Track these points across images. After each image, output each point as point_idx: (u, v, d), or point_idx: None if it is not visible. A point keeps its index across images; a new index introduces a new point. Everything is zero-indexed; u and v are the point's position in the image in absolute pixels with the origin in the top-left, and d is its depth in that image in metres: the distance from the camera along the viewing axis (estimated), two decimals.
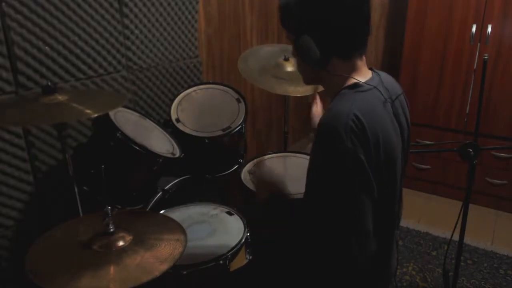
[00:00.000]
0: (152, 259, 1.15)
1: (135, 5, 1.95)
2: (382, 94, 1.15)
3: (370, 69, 1.23)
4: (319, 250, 1.14)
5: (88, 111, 1.32)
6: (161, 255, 1.16)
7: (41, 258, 1.18)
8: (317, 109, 1.71)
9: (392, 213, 1.24)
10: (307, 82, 1.29)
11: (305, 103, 3.41)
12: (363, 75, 1.18)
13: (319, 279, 1.20)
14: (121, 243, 1.19)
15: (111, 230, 1.20)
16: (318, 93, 1.97)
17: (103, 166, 1.33)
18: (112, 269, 1.11)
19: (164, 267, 1.11)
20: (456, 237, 1.91)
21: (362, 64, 1.19)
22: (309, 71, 1.23)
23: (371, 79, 1.18)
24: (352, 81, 1.15)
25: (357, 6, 1.11)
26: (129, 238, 1.21)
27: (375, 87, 1.15)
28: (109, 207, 1.20)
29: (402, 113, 1.23)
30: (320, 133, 1.09)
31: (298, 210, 1.39)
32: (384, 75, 1.24)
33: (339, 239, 1.08)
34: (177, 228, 1.31)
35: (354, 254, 1.08)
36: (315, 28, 1.12)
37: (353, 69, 1.17)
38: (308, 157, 1.54)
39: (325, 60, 1.15)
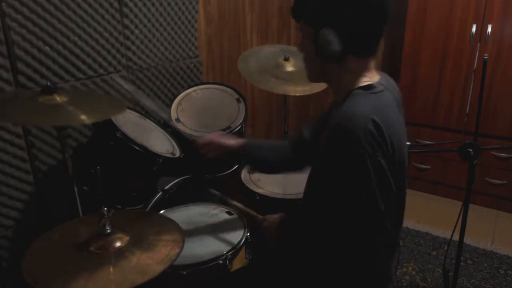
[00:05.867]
0: (149, 260, 1.14)
1: (135, 5, 1.95)
2: (393, 96, 1.14)
3: None
4: (336, 252, 1.14)
5: (83, 117, 1.28)
6: (157, 256, 1.15)
7: (38, 260, 1.17)
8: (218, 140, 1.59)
9: (401, 214, 1.24)
10: (313, 78, 1.24)
11: (305, 102, 3.41)
12: (374, 75, 1.16)
13: (325, 280, 1.19)
14: (118, 244, 1.18)
15: (108, 231, 1.19)
16: (316, 92, 1.96)
17: (98, 167, 1.32)
18: (108, 270, 1.10)
19: (160, 268, 1.10)
20: (456, 237, 1.91)
21: (374, 64, 1.16)
22: (320, 66, 1.17)
23: (381, 79, 1.17)
24: (364, 80, 1.13)
25: (381, 6, 1.07)
26: (126, 239, 1.20)
27: (387, 88, 1.13)
28: (105, 208, 1.19)
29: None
30: (336, 136, 1.05)
31: (298, 212, 1.39)
32: (385, 75, 1.24)
33: (359, 241, 1.08)
34: (175, 228, 1.30)
35: (375, 254, 1.09)
36: (341, 21, 1.06)
37: (366, 68, 1.14)
38: None
39: (343, 56, 1.10)
